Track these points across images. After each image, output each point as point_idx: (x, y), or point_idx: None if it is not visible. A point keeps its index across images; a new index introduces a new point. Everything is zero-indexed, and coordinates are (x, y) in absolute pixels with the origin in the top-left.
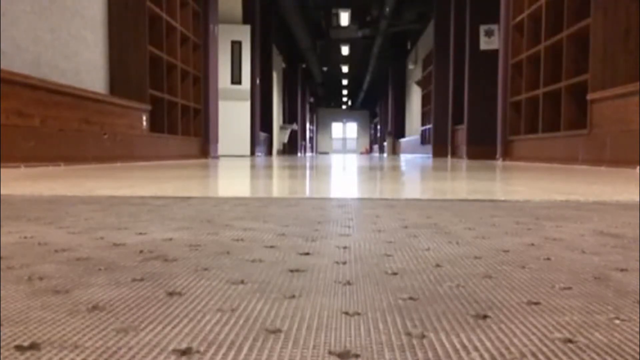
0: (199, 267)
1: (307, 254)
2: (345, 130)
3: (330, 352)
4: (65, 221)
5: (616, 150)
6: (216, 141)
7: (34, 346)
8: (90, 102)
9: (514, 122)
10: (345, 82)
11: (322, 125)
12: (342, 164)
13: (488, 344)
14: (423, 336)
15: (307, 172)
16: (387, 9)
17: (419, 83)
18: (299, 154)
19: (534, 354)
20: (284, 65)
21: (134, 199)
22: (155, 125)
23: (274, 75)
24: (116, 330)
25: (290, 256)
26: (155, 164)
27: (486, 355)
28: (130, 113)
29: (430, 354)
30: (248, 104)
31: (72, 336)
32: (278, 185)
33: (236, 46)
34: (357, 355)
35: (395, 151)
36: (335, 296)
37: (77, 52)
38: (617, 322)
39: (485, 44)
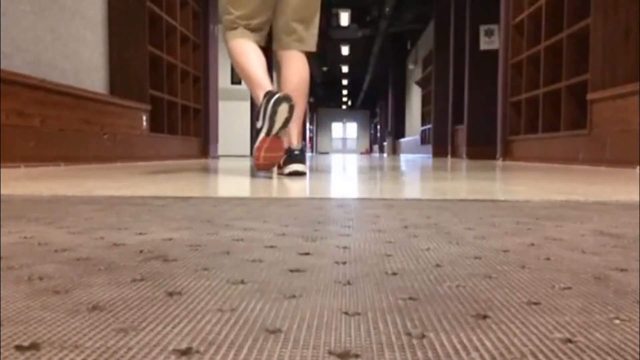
0: (199, 267)
1: (307, 254)
2: (345, 131)
3: (330, 352)
4: (65, 221)
5: (616, 150)
6: (216, 141)
7: (34, 346)
8: (90, 102)
9: (514, 122)
10: (345, 82)
11: (322, 125)
12: (342, 164)
13: (488, 344)
14: (423, 336)
15: (307, 172)
16: (387, 9)
17: (419, 83)
18: None
19: (534, 354)
20: None
21: (134, 199)
22: (155, 125)
23: (274, 75)
24: (116, 330)
25: (290, 256)
26: (155, 164)
27: (486, 355)
28: (130, 113)
29: (430, 354)
30: (248, 104)
31: (72, 336)
32: (278, 185)
33: None
34: (357, 355)
35: (395, 151)
36: (335, 296)
37: (77, 52)
38: (617, 322)
39: (485, 44)
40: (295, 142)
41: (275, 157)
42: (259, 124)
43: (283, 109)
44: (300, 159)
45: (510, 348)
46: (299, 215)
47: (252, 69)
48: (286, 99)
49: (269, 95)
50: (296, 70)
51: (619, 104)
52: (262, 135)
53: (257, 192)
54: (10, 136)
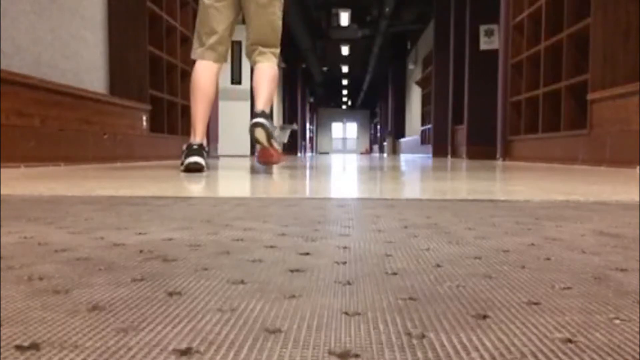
0: (199, 267)
1: (307, 254)
2: (345, 130)
3: (330, 352)
4: (65, 221)
5: (616, 150)
6: (216, 141)
7: (34, 346)
8: (90, 102)
9: (514, 122)
10: (345, 82)
11: (322, 125)
12: (342, 164)
13: (488, 344)
14: (423, 336)
15: (307, 172)
16: (387, 9)
17: (419, 83)
18: (299, 154)
19: (534, 354)
20: (283, 65)
21: (134, 199)
22: (155, 125)
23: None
24: (116, 330)
25: (290, 256)
26: (155, 164)
27: (486, 355)
28: (130, 113)
29: (430, 354)
30: (248, 104)
31: (72, 336)
32: (278, 185)
33: (236, 46)
34: (357, 355)
35: (395, 151)
36: (335, 296)
37: (77, 52)
38: (617, 322)
39: (485, 44)
40: (260, 106)
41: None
42: (182, 158)
43: (194, 167)
44: (263, 116)
45: (510, 348)
46: (299, 215)
47: (197, 110)
48: (196, 163)
49: (187, 149)
50: (263, 77)
51: (619, 104)
52: (181, 168)
53: (257, 192)
54: (10, 136)
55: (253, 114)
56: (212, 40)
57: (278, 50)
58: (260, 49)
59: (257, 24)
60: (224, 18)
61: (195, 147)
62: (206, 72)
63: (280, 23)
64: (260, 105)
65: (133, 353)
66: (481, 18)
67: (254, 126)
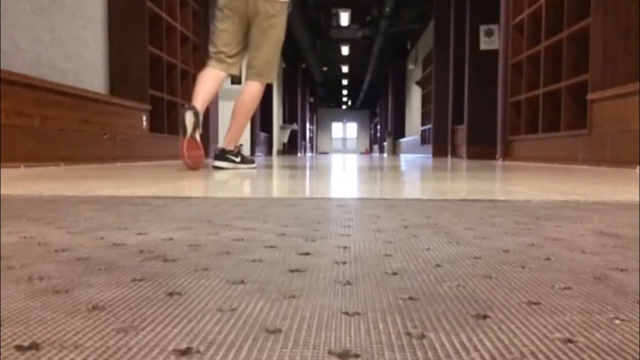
0: (199, 267)
1: (307, 254)
2: (345, 130)
3: (330, 352)
4: (65, 221)
5: (616, 150)
6: (216, 141)
7: (34, 346)
8: (90, 102)
9: (514, 122)
10: (345, 82)
11: (322, 125)
12: (342, 164)
13: (488, 344)
14: (423, 336)
15: (307, 172)
16: (387, 9)
17: (419, 83)
18: (299, 154)
19: (534, 354)
20: (283, 65)
21: (134, 199)
22: (155, 125)
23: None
24: (116, 330)
25: (290, 256)
26: (155, 164)
27: (486, 355)
28: (130, 113)
29: (430, 354)
30: None
31: (72, 336)
32: (278, 185)
33: None
34: (357, 355)
35: (395, 151)
36: (335, 296)
37: (77, 52)
38: (617, 322)
39: (485, 44)
40: (224, 144)
41: (197, 156)
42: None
43: (189, 115)
44: (219, 158)
45: (510, 348)
46: (299, 215)
47: (197, 90)
48: (190, 108)
49: (182, 108)
50: (246, 95)
51: (619, 104)
52: (180, 138)
53: (257, 192)
54: (10, 136)
55: (215, 152)
56: (221, 56)
57: (275, 66)
58: (257, 66)
59: (258, 44)
60: (230, 40)
61: (186, 106)
62: (209, 75)
63: (281, 43)
64: (225, 143)
65: (133, 353)
66: (481, 18)
67: (213, 167)
